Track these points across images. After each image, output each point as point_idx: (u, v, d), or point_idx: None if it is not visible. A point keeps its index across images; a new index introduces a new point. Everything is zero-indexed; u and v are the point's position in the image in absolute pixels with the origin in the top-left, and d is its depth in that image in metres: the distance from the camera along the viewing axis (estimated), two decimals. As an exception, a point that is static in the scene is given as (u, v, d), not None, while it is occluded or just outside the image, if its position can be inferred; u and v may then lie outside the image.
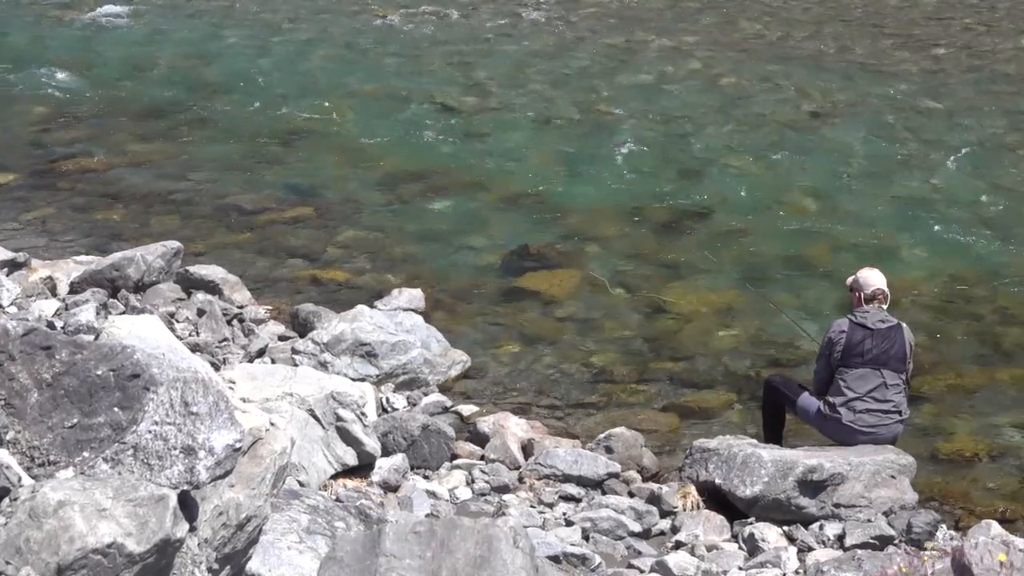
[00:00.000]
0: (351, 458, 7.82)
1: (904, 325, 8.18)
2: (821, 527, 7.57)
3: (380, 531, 4.80)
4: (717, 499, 7.85)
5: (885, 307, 8.19)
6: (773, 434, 8.50)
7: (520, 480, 8.19)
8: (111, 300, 10.09)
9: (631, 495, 8.02)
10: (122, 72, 18.94)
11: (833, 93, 17.90)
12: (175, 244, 10.85)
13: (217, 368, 8.46)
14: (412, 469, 8.18)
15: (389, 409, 8.97)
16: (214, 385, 4.61)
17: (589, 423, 9.17)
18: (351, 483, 7.70)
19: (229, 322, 10.10)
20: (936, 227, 12.84)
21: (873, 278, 8.24)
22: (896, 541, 7.41)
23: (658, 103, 17.42)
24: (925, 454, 8.60)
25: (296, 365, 8.94)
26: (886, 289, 8.24)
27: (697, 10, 23.85)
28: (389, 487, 7.82)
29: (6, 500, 4.16)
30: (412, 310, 10.31)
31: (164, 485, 4.34)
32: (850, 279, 8.44)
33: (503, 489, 7.98)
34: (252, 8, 23.75)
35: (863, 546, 7.30)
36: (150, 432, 4.43)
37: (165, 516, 4.25)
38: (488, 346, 10.29)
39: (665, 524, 7.71)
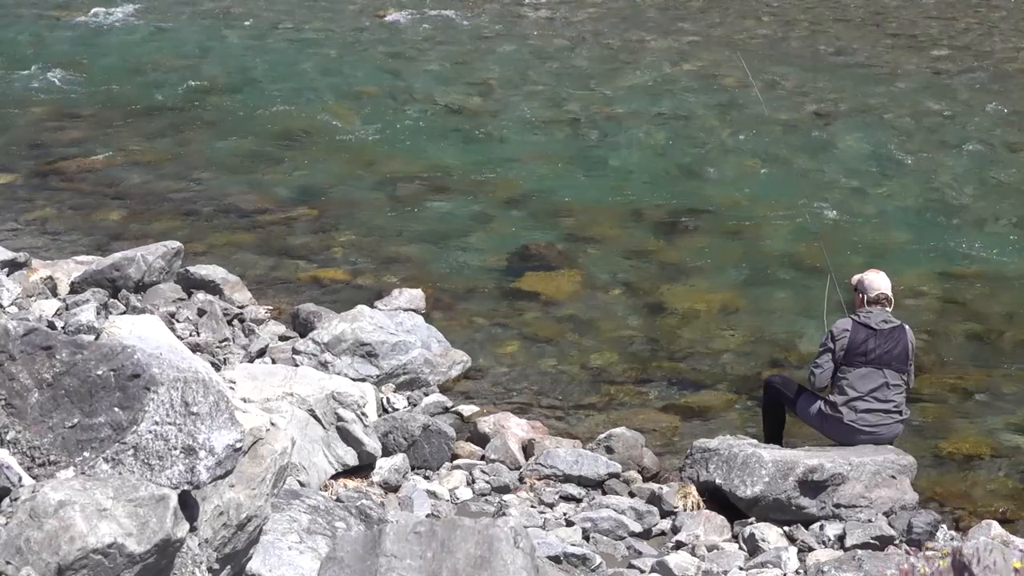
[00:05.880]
0: (351, 458, 7.82)
1: (907, 327, 8.18)
2: (821, 527, 7.57)
3: (380, 531, 4.80)
4: (718, 499, 7.85)
5: (888, 310, 8.18)
6: (773, 434, 8.50)
7: (521, 480, 8.19)
8: (112, 300, 10.09)
9: (631, 495, 8.02)
10: (122, 72, 18.93)
11: (833, 93, 17.89)
12: (176, 244, 10.85)
13: (217, 368, 8.46)
14: (413, 469, 8.18)
15: (390, 409, 8.97)
16: (214, 385, 4.61)
17: (589, 423, 9.17)
18: (351, 483, 7.70)
19: (230, 322, 10.10)
20: (936, 227, 12.84)
21: (878, 281, 8.22)
22: (896, 541, 7.42)
23: (658, 103, 17.41)
24: (925, 454, 8.60)
25: (297, 365, 8.95)
26: (890, 293, 8.22)
27: (697, 10, 23.85)
28: (390, 487, 7.83)
29: (6, 500, 4.16)
30: (412, 310, 10.31)
31: (165, 485, 4.34)
32: (855, 278, 8.41)
33: (504, 489, 7.98)
34: (252, 8, 23.74)
35: (863, 546, 7.30)
36: (150, 432, 4.43)
37: (165, 516, 4.25)
38: (488, 346, 10.29)
39: (666, 524, 7.71)
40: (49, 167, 14.70)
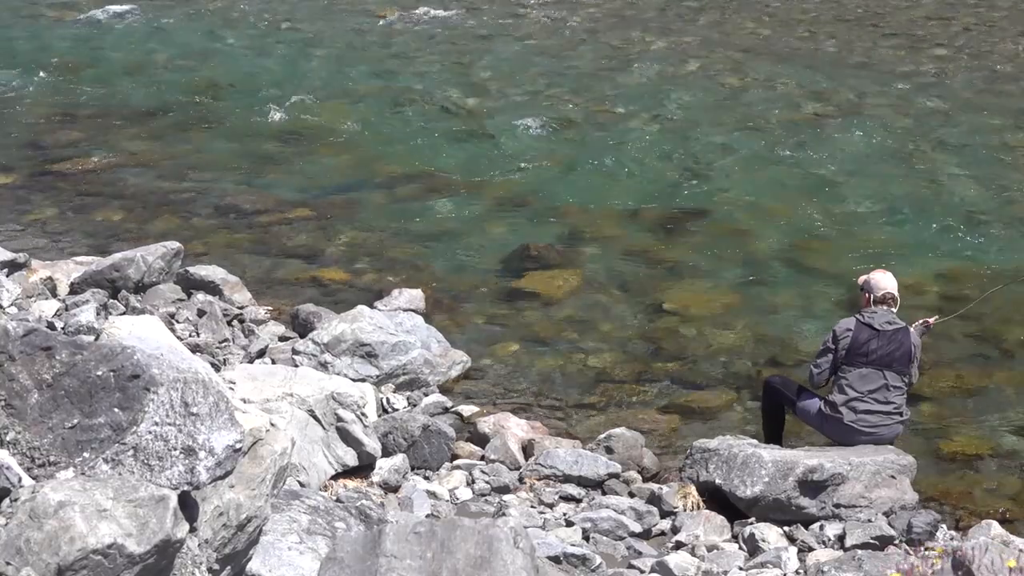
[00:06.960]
0: (351, 458, 7.82)
1: (911, 329, 8.17)
2: (821, 527, 7.57)
3: (380, 531, 4.80)
4: (717, 499, 7.85)
5: (894, 310, 8.17)
6: (773, 434, 8.50)
7: (520, 480, 8.19)
8: (111, 301, 10.09)
9: (631, 495, 8.02)
10: (122, 72, 18.94)
11: (833, 93, 17.89)
12: (175, 244, 10.85)
13: (217, 369, 8.46)
14: (412, 469, 8.18)
15: (389, 409, 8.97)
16: (214, 386, 4.61)
17: (589, 423, 9.16)
18: (351, 483, 7.70)
19: (229, 323, 10.10)
20: (936, 227, 12.84)
21: (885, 281, 8.22)
22: (896, 541, 7.41)
23: (658, 103, 17.41)
24: (925, 454, 8.60)
25: (296, 366, 8.94)
26: (896, 293, 8.22)
27: (697, 10, 23.85)
28: (389, 487, 7.83)
29: (6, 501, 4.16)
30: (412, 310, 10.31)
31: (164, 486, 4.34)
32: (862, 278, 8.41)
33: (503, 489, 7.98)
34: (252, 8, 23.75)
35: (863, 546, 7.30)
36: (150, 433, 4.43)
37: (165, 517, 4.25)
38: (488, 346, 10.29)
39: (665, 524, 7.71)
40: (49, 167, 14.71)
